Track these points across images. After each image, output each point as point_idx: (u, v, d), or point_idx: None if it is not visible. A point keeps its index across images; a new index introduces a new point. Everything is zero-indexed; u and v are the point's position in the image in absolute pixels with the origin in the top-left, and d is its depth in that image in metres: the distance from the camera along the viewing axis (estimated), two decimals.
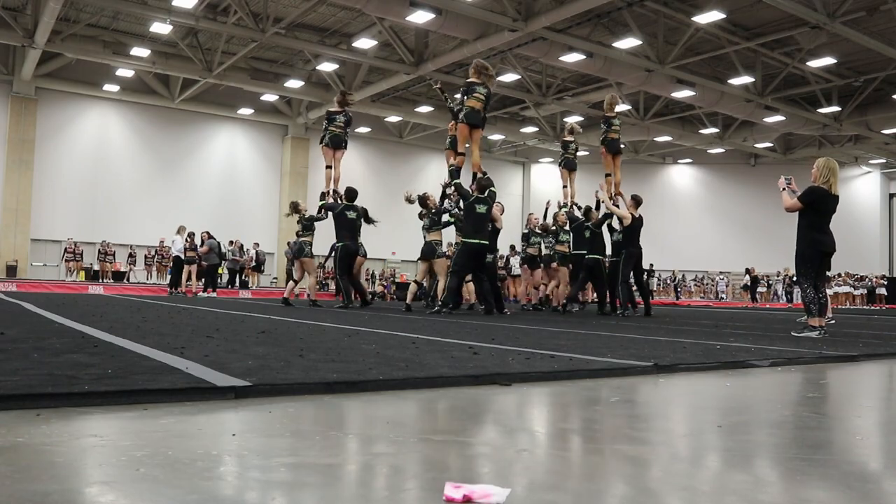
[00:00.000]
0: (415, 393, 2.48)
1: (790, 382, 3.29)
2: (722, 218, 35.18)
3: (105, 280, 22.90)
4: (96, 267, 24.18)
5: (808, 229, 6.20)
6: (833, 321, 9.20)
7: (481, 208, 9.48)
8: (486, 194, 9.57)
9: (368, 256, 33.69)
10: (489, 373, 2.80)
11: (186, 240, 18.04)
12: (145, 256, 24.70)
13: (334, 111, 11.50)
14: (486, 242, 9.56)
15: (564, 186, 12.72)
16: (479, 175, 9.83)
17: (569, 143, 12.97)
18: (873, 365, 4.14)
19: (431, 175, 30.89)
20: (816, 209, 6.17)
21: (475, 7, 18.03)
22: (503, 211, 11.01)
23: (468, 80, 9.91)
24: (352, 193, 10.93)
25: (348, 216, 10.72)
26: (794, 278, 6.52)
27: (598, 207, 11.78)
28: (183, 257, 17.93)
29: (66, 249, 23.94)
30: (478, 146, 9.96)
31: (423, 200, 10.67)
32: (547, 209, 13.44)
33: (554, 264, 12.68)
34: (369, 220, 11.23)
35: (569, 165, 12.80)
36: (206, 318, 6.33)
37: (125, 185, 26.86)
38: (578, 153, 12.92)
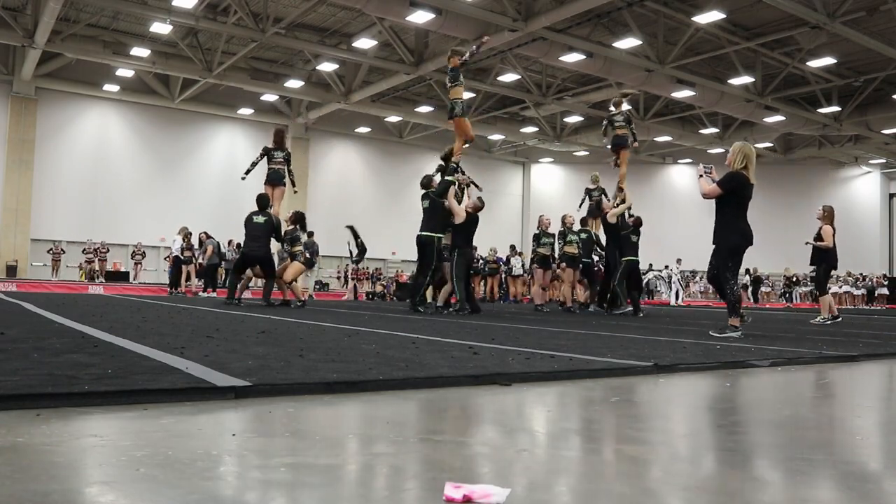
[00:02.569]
0: (415, 393, 2.48)
1: (790, 382, 3.29)
2: None
3: (109, 280, 22.76)
4: (96, 267, 24.07)
5: (735, 220, 5.79)
6: (839, 319, 9.22)
7: (424, 203, 9.97)
8: (426, 190, 10.05)
9: (367, 256, 33.52)
10: (489, 373, 2.80)
11: (184, 239, 18.07)
12: (133, 253, 24.22)
13: (271, 148, 11.53)
14: (425, 233, 9.85)
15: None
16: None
17: (591, 191, 13.51)
18: (873, 365, 4.14)
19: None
20: (739, 197, 5.80)
21: (475, 7, 18.02)
22: (460, 189, 10.67)
23: (453, 68, 10.45)
24: (262, 201, 10.89)
25: (253, 220, 10.60)
26: (717, 273, 6.19)
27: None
28: (182, 257, 17.95)
29: (50, 250, 23.78)
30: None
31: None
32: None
33: (563, 265, 12.73)
34: (279, 238, 10.94)
35: (592, 213, 13.27)
36: (206, 318, 6.33)
37: (125, 185, 26.85)
38: (595, 193, 13.47)
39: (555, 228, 13.03)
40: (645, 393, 2.78)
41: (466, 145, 10.98)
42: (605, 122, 12.84)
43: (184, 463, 1.43)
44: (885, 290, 31.02)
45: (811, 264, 9.78)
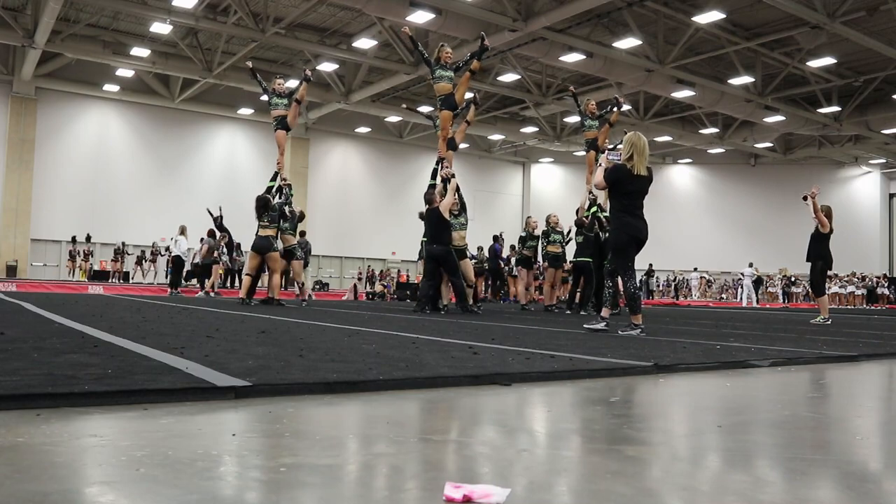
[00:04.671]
0: (415, 393, 2.48)
1: (790, 382, 3.29)
2: (722, 218, 35.18)
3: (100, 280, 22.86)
4: (104, 268, 24.18)
5: (617, 212, 5.64)
6: (829, 321, 9.15)
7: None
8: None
9: (368, 256, 33.41)
10: (489, 373, 2.80)
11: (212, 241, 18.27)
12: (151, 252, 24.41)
13: (272, 93, 11.68)
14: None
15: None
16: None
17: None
18: (873, 365, 4.14)
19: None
20: (622, 190, 5.60)
21: (475, 7, 18.03)
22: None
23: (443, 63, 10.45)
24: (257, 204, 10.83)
25: None
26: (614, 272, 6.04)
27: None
28: (184, 258, 17.97)
29: (70, 251, 23.97)
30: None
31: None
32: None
33: (544, 264, 12.84)
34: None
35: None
36: (206, 318, 6.33)
37: (125, 185, 26.86)
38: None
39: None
40: (645, 393, 2.78)
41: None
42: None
43: (184, 463, 1.43)
44: (885, 290, 31.01)
45: (807, 260, 9.75)
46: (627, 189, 5.60)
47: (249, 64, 12.35)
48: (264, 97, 12.00)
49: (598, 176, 5.76)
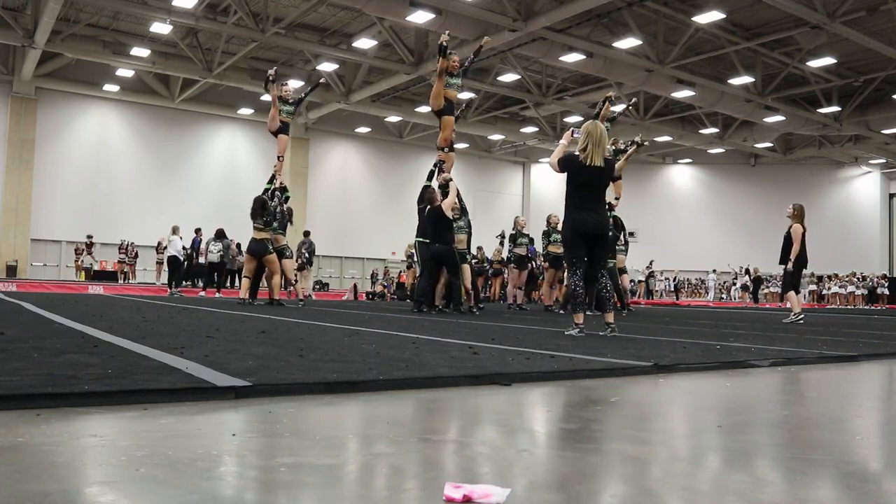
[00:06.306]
0: (415, 393, 2.48)
1: (790, 382, 3.29)
2: (722, 218, 35.17)
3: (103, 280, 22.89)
4: (104, 267, 24.18)
5: (569, 206, 5.39)
6: (802, 318, 9.08)
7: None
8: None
9: (368, 256, 33.44)
10: (489, 373, 2.80)
11: (229, 245, 18.37)
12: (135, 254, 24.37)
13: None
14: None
15: None
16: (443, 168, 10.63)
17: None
18: (873, 365, 4.14)
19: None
20: (572, 181, 5.36)
21: (475, 7, 18.03)
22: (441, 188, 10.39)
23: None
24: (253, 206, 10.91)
25: None
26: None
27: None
28: (181, 258, 17.98)
29: (75, 250, 24.01)
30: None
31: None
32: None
33: (545, 264, 12.88)
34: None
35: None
36: (206, 318, 6.33)
37: (125, 185, 26.85)
38: None
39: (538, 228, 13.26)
40: (645, 393, 2.78)
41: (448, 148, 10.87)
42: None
43: (184, 463, 1.43)
44: (885, 290, 30.99)
45: (780, 262, 9.72)
46: (578, 180, 5.36)
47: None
48: (266, 97, 12.06)
49: (554, 157, 5.51)
